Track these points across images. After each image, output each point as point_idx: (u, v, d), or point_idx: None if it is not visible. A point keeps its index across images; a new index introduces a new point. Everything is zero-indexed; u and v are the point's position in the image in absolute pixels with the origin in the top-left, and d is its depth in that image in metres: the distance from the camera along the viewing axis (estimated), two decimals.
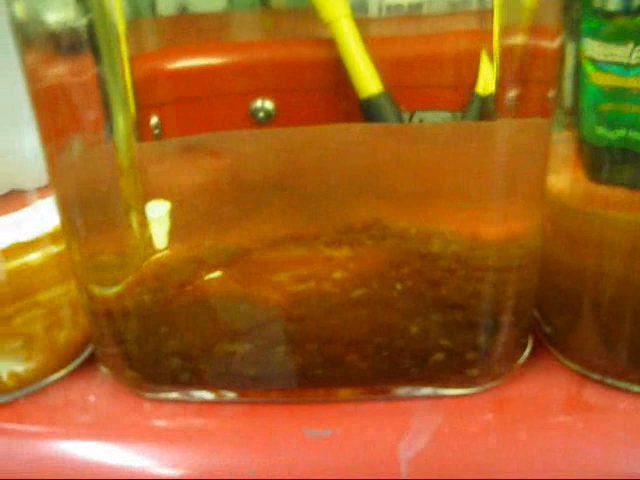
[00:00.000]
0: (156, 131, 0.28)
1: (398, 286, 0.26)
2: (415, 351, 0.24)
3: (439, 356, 0.24)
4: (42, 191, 0.25)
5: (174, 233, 0.28)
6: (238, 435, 0.24)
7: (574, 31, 0.22)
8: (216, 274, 0.27)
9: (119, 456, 0.24)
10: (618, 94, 0.21)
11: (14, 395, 0.26)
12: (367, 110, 0.40)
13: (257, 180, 0.29)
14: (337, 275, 0.27)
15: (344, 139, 0.32)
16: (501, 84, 0.24)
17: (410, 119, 0.40)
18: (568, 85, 0.23)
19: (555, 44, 0.21)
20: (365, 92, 0.39)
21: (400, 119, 0.41)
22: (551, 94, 0.22)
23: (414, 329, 0.25)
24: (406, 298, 0.25)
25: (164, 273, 0.27)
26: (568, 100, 0.23)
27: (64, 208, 0.24)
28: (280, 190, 0.29)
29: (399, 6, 0.39)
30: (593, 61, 0.21)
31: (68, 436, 0.25)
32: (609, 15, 0.21)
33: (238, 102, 0.38)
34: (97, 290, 0.25)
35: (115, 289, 0.25)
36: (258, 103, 0.38)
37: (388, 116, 0.40)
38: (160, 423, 0.25)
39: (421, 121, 0.40)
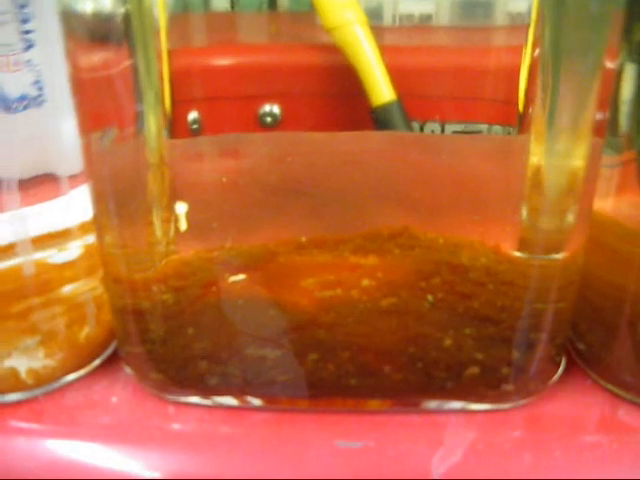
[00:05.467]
0: (194, 126, 0.28)
1: (429, 297, 0.25)
2: (449, 364, 0.24)
3: (474, 370, 0.24)
4: (74, 179, 0.24)
5: (195, 233, 0.28)
6: (267, 444, 0.23)
7: (635, 53, 0.21)
8: (241, 276, 0.27)
9: (141, 461, 0.23)
10: None
11: (33, 393, 0.25)
12: (379, 118, 0.40)
13: (279, 183, 0.29)
14: (365, 283, 0.26)
15: (369, 146, 0.32)
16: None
17: (421, 128, 0.40)
18: (625, 108, 0.22)
19: (612, 65, 0.21)
20: (378, 100, 0.39)
21: (410, 128, 0.41)
22: (604, 115, 0.22)
23: (448, 341, 0.24)
24: (438, 310, 0.25)
25: (188, 272, 0.27)
26: (625, 124, 0.23)
27: (98, 198, 0.23)
28: (303, 194, 0.29)
29: (411, 15, 0.39)
30: None
31: (88, 437, 0.24)
32: None
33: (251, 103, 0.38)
34: (126, 285, 0.24)
35: (143, 285, 0.25)
36: (267, 107, 0.38)
37: (400, 124, 0.39)
38: (185, 428, 0.24)
39: (432, 132, 0.40)
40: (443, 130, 0.39)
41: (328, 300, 0.26)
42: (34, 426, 0.24)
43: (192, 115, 0.28)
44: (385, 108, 0.38)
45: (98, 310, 0.26)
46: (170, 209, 0.27)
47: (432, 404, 0.24)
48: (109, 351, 0.27)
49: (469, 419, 0.24)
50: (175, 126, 0.26)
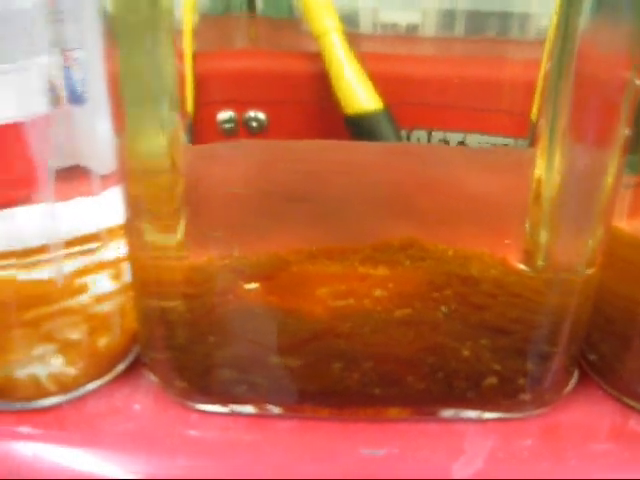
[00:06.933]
0: (227, 125, 0.28)
1: (443, 308, 0.26)
2: (469, 374, 0.24)
3: (492, 380, 0.24)
4: (106, 180, 0.25)
5: (202, 240, 0.28)
6: (292, 452, 0.24)
7: None
8: (256, 284, 0.27)
9: (165, 469, 0.24)
10: None
11: (55, 400, 0.25)
12: (354, 127, 0.40)
13: (285, 191, 0.29)
14: (378, 293, 0.27)
15: (375, 157, 0.32)
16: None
17: (408, 137, 0.41)
18: None
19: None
20: (353, 108, 0.39)
21: (399, 137, 0.41)
22: (627, 131, 0.23)
23: (466, 352, 0.25)
24: (452, 321, 0.25)
25: (202, 279, 0.27)
26: None
27: (130, 201, 0.24)
28: (309, 202, 0.29)
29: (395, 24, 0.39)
30: None
31: (111, 445, 0.24)
32: None
33: None
34: (152, 291, 0.25)
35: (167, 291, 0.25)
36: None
37: (380, 134, 0.40)
38: (208, 436, 0.24)
39: (418, 140, 0.41)
40: (429, 139, 0.39)
41: (343, 310, 0.26)
42: (57, 433, 0.25)
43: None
44: (367, 117, 0.39)
45: (122, 318, 0.26)
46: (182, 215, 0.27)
47: (449, 412, 0.25)
48: (131, 357, 0.27)
49: (486, 427, 0.25)
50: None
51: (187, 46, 0.25)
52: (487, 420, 0.25)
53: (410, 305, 0.26)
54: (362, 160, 0.31)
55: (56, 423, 0.25)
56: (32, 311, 0.25)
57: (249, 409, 0.25)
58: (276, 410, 0.25)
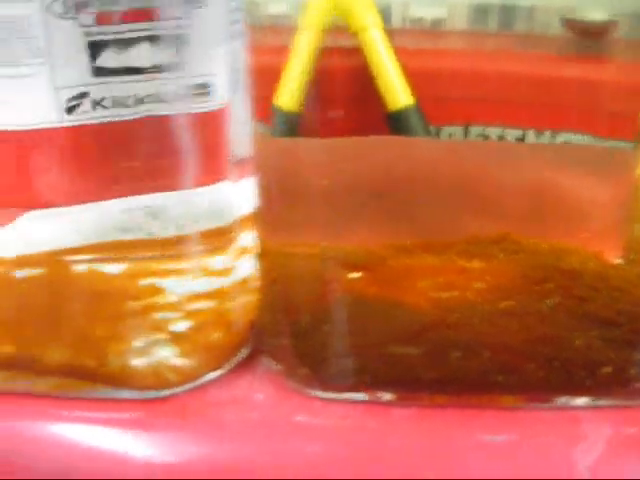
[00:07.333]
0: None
1: (548, 301, 0.26)
2: (585, 363, 0.25)
3: (607, 368, 0.25)
4: (241, 169, 0.25)
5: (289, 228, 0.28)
6: (414, 438, 0.24)
7: None
8: (357, 274, 0.28)
9: (291, 457, 0.24)
10: None
11: (175, 390, 0.26)
12: (395, 122, 0.41)
13: (377, 187, 0.30)
14: (477, 285, 0.27)
15: (463, 155, 0.33)
16: None
17: (437, 133, 0.42)
18: None
19: None
20: (395, 104, 0.40)
21: (429, 132, 0.42)
22: None
23: (577, 342, 0.25)
24: (558, 313, 0.26)
25: (301, 266, 0.27)
26: None
27: (262, 190, 0.24)
28: (390, 198, 0.30)
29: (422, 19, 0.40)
30: None
31: (234, 434, 0.25)
32: None
33: None
34: (279, 279, 0.25)
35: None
36: None
37: (417, 129, 0.41)
38: (333, 423, 0.25)
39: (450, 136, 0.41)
40: (466, 134, 0.40)
41: (447, 302, 0.27)
42: (178, 422, 0.25)
43: None
44: (402, 113, 0.39)
45: (243, 309, 0.27)
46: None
47: (562, 400, 0.26)
48: (249, 346, 0.27)
49: (599, 415, 0.25)
50: None
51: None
52: (599, 407, 0.25)
53: (511, 297, 0.27)
54: (441, 157, 0.32)
55: (177, 412, 0.25)
56: (144, 301, 0.26)
57: (363, 396, 0.26)
58: (389, 397, 0.26)
